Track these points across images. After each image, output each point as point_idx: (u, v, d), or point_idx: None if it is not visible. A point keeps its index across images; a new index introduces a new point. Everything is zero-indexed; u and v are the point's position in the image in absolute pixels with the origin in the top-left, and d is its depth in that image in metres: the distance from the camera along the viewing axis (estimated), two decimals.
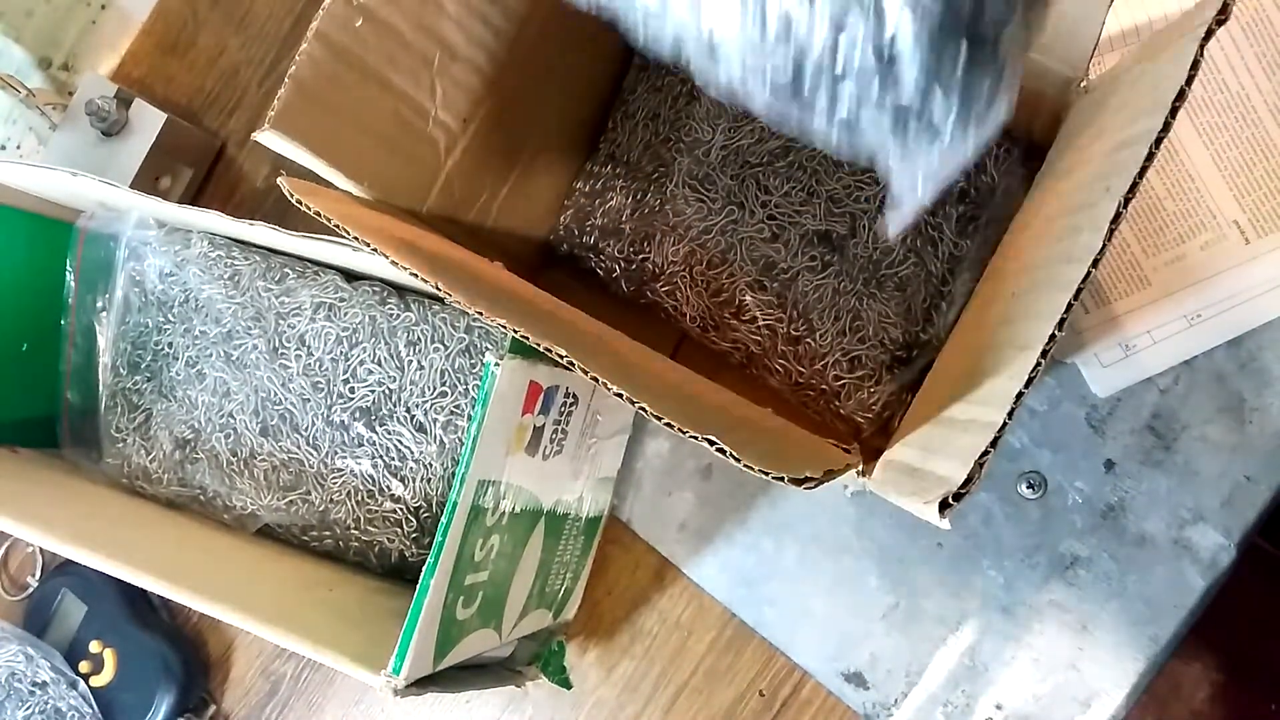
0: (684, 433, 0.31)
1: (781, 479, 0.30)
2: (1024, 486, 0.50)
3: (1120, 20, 0.49)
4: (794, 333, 0.47)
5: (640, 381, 0.35)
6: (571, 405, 0.44)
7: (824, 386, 0.46)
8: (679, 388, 0.41)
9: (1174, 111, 0.29)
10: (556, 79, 0.52)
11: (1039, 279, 0.33)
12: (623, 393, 0.32)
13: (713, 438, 0.30)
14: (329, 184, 0.44)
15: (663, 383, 0.40)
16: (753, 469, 0.30)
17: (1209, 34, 0.29)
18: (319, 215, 0.38)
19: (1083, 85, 0.39)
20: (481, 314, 0.35)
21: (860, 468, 0.38)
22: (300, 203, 0.38)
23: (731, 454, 0.30)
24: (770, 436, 0.39)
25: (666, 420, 0.31)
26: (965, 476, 0.28)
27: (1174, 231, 0.49)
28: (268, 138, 0.40)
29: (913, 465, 0.33)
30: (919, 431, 0.36)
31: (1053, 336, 0.29)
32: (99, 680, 0.58)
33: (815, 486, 0.30)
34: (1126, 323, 0.49)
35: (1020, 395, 0.28)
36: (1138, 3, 0.49)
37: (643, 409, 0.31)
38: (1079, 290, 0.29)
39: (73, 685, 0.57)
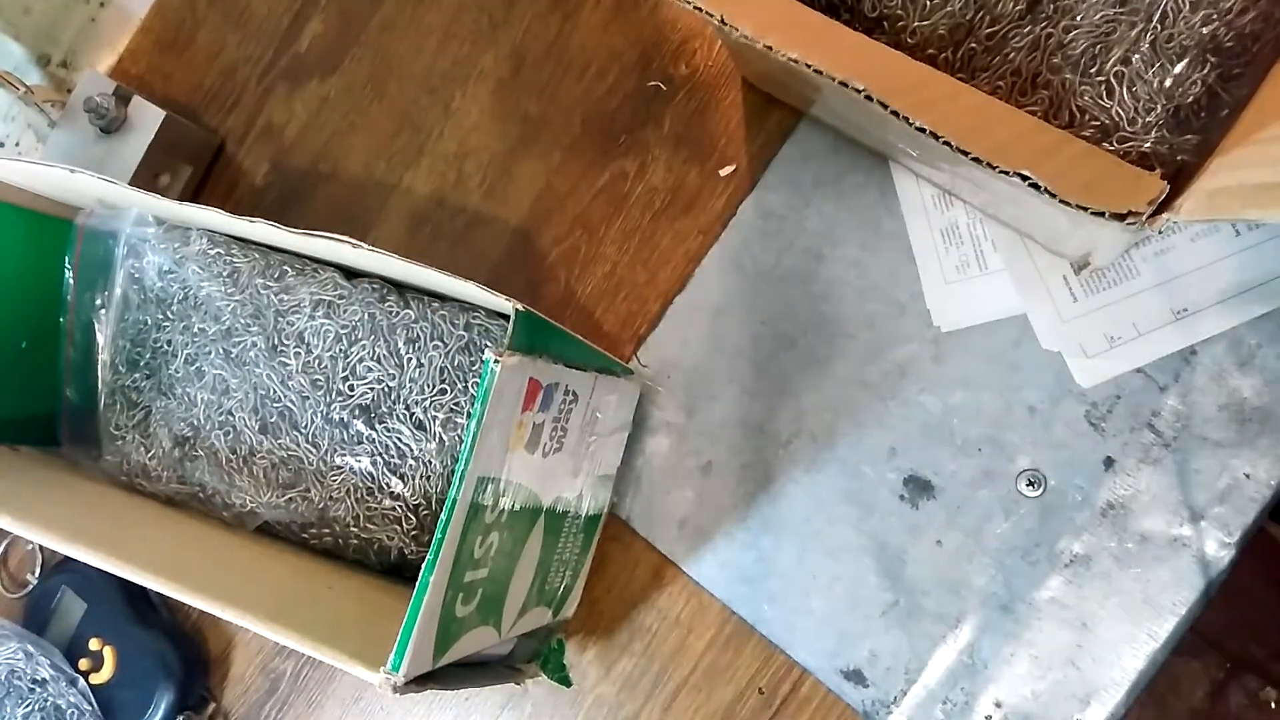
0: (993, 168, 0.30)
1: (1102, 214, 0.28)
2: (1024, 484, 0.50)
3: None
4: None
5: (940, 113, 0.33)
6: (571, 403, 0.44)
7: (1106, 120, 0.43)
8: (986, 121, 0.39)
9: None
10: None
11: None
12: (925, 127, 0.31)
13: (1025, 172, 0.29)
14: None
15: (969, 115, 0.38)
16: (1069, 204, 0.28)
17: None
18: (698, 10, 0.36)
19: None
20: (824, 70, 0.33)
21: (1160, 199, 0.35)
22: None
23: (1046, 189, 0.29)
24: (1079, 166, 0.36)
25: (973, 155, 0.30)
26: None
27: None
28: None
29: None
30: None
31: None
32: (98, 678, 0.58)
33: (1137, 223, 0.29)
34: (1114, 313, 0.49)
35: None
36: None
37: (947, 143, 0.30)
38: None
39: (72, 683, 0.57)
